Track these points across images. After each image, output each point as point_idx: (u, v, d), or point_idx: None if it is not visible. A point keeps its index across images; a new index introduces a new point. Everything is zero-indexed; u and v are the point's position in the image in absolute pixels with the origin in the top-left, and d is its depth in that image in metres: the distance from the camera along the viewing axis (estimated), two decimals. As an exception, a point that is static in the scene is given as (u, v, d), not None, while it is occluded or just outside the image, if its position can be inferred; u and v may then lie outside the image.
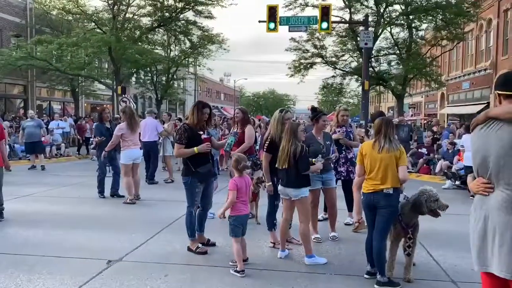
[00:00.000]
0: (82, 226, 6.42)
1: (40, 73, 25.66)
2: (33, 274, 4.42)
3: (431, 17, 20.89)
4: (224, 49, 29.50)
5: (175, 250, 5.34)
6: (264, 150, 5.42)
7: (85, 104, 32.41)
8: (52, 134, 17.09)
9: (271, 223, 5.56)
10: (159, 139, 11.37)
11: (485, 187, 2.62)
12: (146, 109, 14.04)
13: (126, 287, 4.15)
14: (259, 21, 17.40)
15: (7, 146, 12.27)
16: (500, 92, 2.71)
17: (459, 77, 29.45)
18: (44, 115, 25.46)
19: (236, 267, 4.56)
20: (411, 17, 21.14)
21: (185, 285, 4.21)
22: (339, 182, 6.68)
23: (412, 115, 39.42)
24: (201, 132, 5.27)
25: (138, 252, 5.26)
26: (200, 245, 5.31)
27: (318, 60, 24.77)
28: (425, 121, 32.75)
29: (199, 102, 5.52)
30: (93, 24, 24.29)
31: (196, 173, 5.15)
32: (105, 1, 23.73)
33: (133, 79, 32.94)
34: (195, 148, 5.11)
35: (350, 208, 6.75)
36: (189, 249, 5.30)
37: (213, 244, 5.49)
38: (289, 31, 18.01)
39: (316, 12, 17.07)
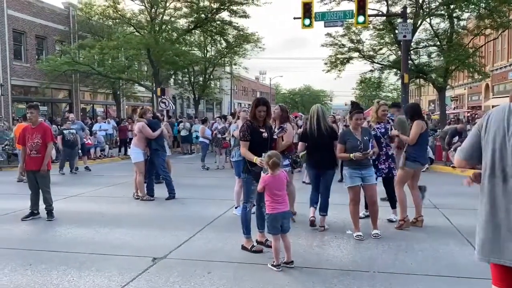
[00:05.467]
0: (128, 225, 6.64)
1: (83, 77, 26.71)
2: (83, 271, 4.61)
3: (473, 6, 20.05)
4: (260, 47, 29.62)
5: (217, 248, 5.42)
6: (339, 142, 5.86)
7: (126, 106, 33.38)
8: (96, 136, 17.73)
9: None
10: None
11: None
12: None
13: (171, 283, 4.26)
14: (294, 18, 17.26)
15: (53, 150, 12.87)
16: None
17: (504, 66, 28.17)
18: (88, 118, 26.45)
19: (274, 262, 4.62)
20: (452, 6, 20.37)
21: (228, 282, 4.27)
22: (379, 178, 6.58)
23: (454, 108, 38.12)
24: (263, 130, 5.17)
25: (181, 249, 5.39)
26: (255, 244, 5.28)
27: (355, 54, 24.31)
28: (469, 114, 31.59)
29: (255, 99, 5.40)
30: (131, 28, 24.98)
31: (251, 171, 5.12)
32: (142, 5, 24.36)
33: (172, 80, 33.62)
34: (255, 158, 4.92)
35: (393, 205, 6.62)
36: (243, 247, 5.27)
37: (270, 246, 5.01)
38: (325, 26, 17.75)
39: (352, 6, 16.79)
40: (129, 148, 19.72)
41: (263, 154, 4.85)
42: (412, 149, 6.19)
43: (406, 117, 6.77)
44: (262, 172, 4.92)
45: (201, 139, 15.11)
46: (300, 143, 6.50)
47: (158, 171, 9.08)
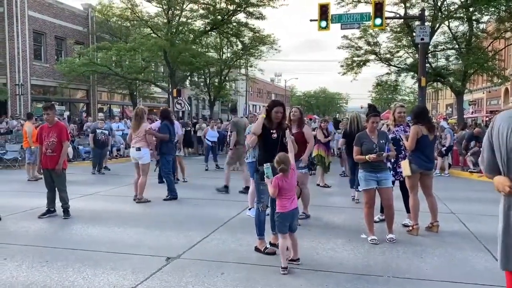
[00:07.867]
0: (142, 224, 6.68)
1: (101, 78, 27.07)
2: (98, 269, 4.65)
3: (493, 9, 19.73)
4: (275, 49, 29.64)
5: (230, 249, 5.43)
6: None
7: (143, 107, 33.66)
8: (114, 136, 17.89)
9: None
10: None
11: None
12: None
13: (185, 283, 4.27)
14: (311, 20, 17.23)
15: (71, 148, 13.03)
16: None
17: (525, 70, 27.65)
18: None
19: (282, 264, 4.59)
20: (471, 9, 20.10)
21: (241, 283, 4.27)
22: (396, 182, 6.51)
23: (472, 112, 37.53)
24: (273, 131, 5.09)
25: (195, 249, 5.40)
26: (268, 246, 5.23)
27: (372, 57, 24.19)
28: (488, 119, 31.04)
29: (271, 101, 5.38)
30: (149, 29, 25.24)
31: (258, 171, 5.12)
32: (160, 7, 24.59)
33: (187, 81, 33.86)
34: (264, 165, 4.80)
35: (408, 210, 6.53)
36: (256, 249, 5.24)
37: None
38: (341, 28, 17.70)
39: (369, 8, 16.67)
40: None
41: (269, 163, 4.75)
42: (410, 153, 6.17)
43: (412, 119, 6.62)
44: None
45: (208, 138, 15.01)
46: (341, 140, 9.28)
47: (160, 171, 9.00)
